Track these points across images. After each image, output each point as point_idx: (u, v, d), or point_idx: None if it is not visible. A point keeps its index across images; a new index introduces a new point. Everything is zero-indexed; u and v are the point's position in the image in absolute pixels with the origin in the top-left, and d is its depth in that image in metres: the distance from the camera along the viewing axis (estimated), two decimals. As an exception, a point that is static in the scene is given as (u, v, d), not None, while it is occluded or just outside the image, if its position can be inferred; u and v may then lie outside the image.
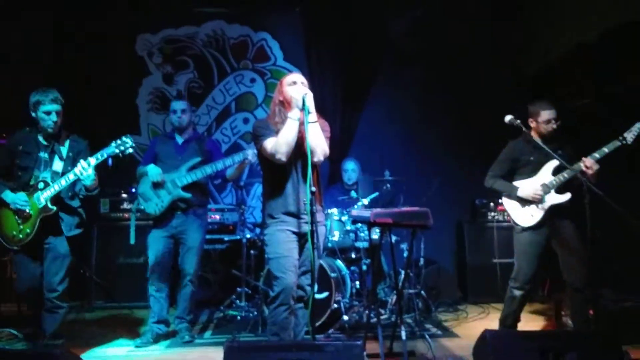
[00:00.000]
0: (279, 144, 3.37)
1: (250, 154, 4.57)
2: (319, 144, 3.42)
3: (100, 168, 4.05)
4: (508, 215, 4.33)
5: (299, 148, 3.42)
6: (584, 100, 5.75)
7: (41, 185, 4.02)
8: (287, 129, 3.37)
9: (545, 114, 4.15)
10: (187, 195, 4.62)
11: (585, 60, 5.72)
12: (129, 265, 5.97)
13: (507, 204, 4.30)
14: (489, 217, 6.25)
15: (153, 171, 4.62)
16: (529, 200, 4.13)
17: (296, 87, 3.47)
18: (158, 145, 4.88)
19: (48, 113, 4.02)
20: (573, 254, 4.05)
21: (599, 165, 3.95)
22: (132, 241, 4.87)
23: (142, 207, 4.71)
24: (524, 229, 4.17)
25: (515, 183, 4.25)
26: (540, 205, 4.10)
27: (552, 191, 4.10)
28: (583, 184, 3.80)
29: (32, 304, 4.20)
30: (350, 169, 5.89)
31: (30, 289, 4.13)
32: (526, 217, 4.16)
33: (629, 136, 3.94)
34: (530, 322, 5.14)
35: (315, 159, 3.41)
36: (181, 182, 4.62)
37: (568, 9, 5.88)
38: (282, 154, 3.38)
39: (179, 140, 4.88)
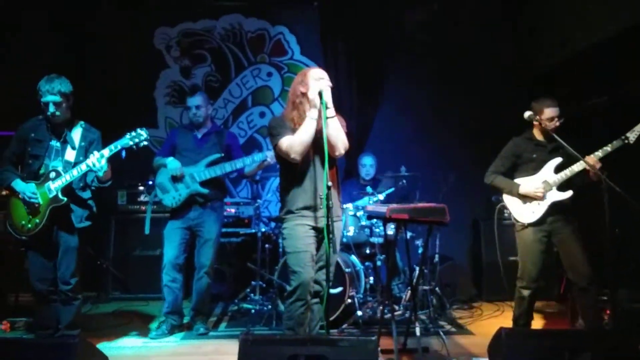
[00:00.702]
0: (295, 142, 3.36)
1: (270, 155, 4.60)
2: (339, 137, 3.42)
3: (113, 159, 4.02)
4: (509, 212, 4.29)
5: (317, 143, 3.42)
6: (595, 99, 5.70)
7: (52, 174, 3.98)
8: (304, 128, 3.36)
9: (549, 112, 4.11)
10: (205, 191, 4.65)
11: (601, 57, 5.66)
12: (145, 257, 6.03)
13: (508, 200, 4.27)
14: (506, 214, 6.17)
15: (173, 165, 4.65)
16: (530, 197, 4.10)
17: (321, 83, 3.41)
18: (177, 137, 4.90)
19: (45, 104, 3.96)
20: (575, 253, 4.03)
21: (601, 164, 3.90)
22: (147, 231, 4.90)
23: (160, 199, 4.75)
24: (525, 226, 4.15)
25: (516, 180, 4.23)
26: (541, 202, 4.08)
27: (554, 188, 4.07)
28: (602, 181, 3.75)
29: (41, 297, 4.16)
30: (369, 164, 5.87)
31: (41, 280, 4.10)
32: (527, 213, 4.14)
33: (632, 136, 3.90)
34: (545, 321, 5.11)
35: (337, 153, 3.45)
36: (200, 177, 4.65)
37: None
38: (296, 154, 3.38)
39: (198, 133, 4.89)
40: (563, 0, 6.13)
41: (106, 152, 3.95)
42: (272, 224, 5.64)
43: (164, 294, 4.77)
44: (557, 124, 4.11)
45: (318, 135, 3.38)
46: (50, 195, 3.97)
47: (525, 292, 4.15)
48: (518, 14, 6.64)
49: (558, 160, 4.10)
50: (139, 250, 6.07)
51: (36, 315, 4.44)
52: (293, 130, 3.44)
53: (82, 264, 4.19)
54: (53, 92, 3.94)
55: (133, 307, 5.75)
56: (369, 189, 5.44)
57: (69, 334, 4.08)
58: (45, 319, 4.24)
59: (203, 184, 4.66)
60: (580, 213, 4.14)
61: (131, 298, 5.98)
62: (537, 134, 4.24)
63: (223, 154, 4.77)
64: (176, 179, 4.66)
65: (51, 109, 3.96)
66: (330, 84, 3.45)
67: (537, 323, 4.35)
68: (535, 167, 4.18)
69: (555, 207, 4.07)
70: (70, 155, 4.10)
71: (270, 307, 5.08)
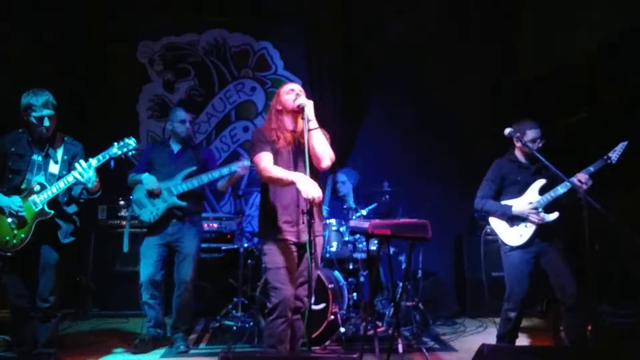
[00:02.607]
0: (270, 173, 3.36)
1: (239, 166, 4.61)
2: (325, 150, 3.42)
3: (101, 170, 3.97)
4: (496, 234, 4.29)
5: (300, 156, 3.42)
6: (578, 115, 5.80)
7: (37, 188, 3.91)
8: (282, 177, 3.33)
9: (531, 133, 4.14)
10: (183, 203, 4.62)
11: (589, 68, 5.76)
12: (126, 273, 5.92)
13: (495, 223, 4.26)
14: (488, 230, 6.19)
15: (148, 179, 4.61)
16: (520, 218, 4.09)
17: (302, 97, 3.45)
18: (153, 153, 4.87)
19: (40, 119, 3.91)
20: (563, 273, 4.01)
21: (592, 181, 3.92)
22: (126, 249, 4.84)
23: (137, 214, 4.70)
24: (513, 249, 4.14)
25: (505, 202, 4.21)
26: (528, 225, 4.08)
27: (541, 210, 4.08)
28: (581, 197, 3.77)
29: (18, 313, 4.08)
30: (340, 181, 5.88)
31: (19, 296, 4.03)
32: (515, 236, 4.13)
33: (614, 155, 3.96)
34: (528, 338, 5.11)
35: (324, 165, 3.44)
36: (177, 190, 4.61)
37: (578, 15, 5.91)
38: (265, 179, 3.42)
39: (175, 148, 4.87)
40: (548, 12, 6.22)
41: (94, 162, 3.90)
42: (255, 239, 5.60)
43: (145, 311, 4.72)
44: (540, 145, 4.13)
45: (301, 149, 3.37)
46: (36, 209, 3.90)
47: (512, 314, 4.12)
48: (503, 26, 6.71)
49: (542, 182, 4.12)
50: (119, 265, 5.98)
51: (14, 332, 4.34)
52: (272, 144, 3.45)
53: (62, 280, 4.12)
54: (48, 105, 3.90)
55: (112, 324, 5.64)
56: (352, 204, 5.45)
57: (46, 352, 4.00)
58: (23, 336, 4.13)
59: (181, 197, 4.63)
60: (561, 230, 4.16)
61: (111, 315, 5.87)
62: (520, 156, 4.25)
63: (199, 167, 4.75)
64: (153, 194, 4.62)
65: (46, 123, 3.92)
66: (303, 93, 3.49)
67: (520, 339, 4.33)
68: (519, 190, 4.18)
69: (542, 229, 4.07)
70: (53, 169, 4.04)
71: (252, 324, 5.02)
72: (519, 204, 4.12)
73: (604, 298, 4.79)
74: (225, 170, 4.66)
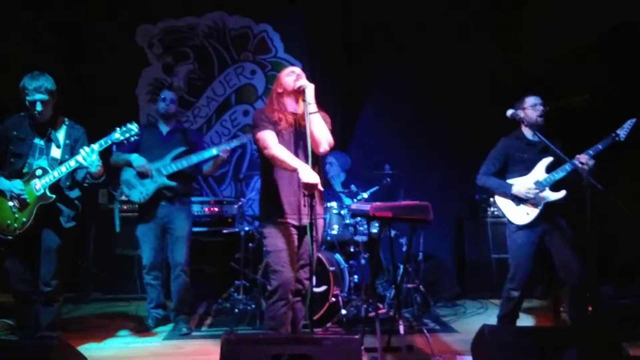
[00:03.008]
0: (273, 156, 3.35)
1: (221, 150, 4.63)
2: (323, 135, 3.41)
3: (103, 155, 3.96)
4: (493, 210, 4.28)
5: (301, 139, 3.41)
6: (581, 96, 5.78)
7: (39, 172, 3.90)
8: (286, 161, 3.32)
9: (530, 99, 4.13)
10: (172, 183, 4.64)
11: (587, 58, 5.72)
12: (126, 256, 5.93)
13: (501, 202, 4.24)
14: (489, 213, 6.20)
15: (138, 162, 4.60)
16: (523, 198, 4.08)
17: (303, 80, 3.45)
18: (142, 135, 4.84)
19: (32, 103, 3.86)
20: (568, 252, 3.99)
21: (594, 161, 3.90)
22: (118, 229, 4.89)
23: (127, 195, 4.72)
24: (519, 228, 4.12)
25: (508, 181, 4.20)
26: (535, 203, 4.06)
27: (547, 189, 4.06)
28: (584, 177, 3.75)
29: (21, 297, 4.09)
30: (328, 162, 5.84)
31: (21, 280, 4.03)
32: (521, 215, 4.11)
33: (622, 133, 3.93)
34: (528, 318, 5.13)
35: (321, 150, 3.43)
36: (166, 170, 4.63)
37: (578, 14, 5.87)
38: (270, 157, 3.38)
39: (163, 130, 4.89)
40: (548, 12, 6.18)
41: (96, 147, 3.88)
42: (256, 223, 5.60)
43: (147, 292, 4.81)
44: (541, 109, 4.09)
45: (302, 131, 3.36)
46: (38, 193, 3.89)
47: (515, 294, 4.13)
48: (503, 17, 6.66)
49: (549, 159, 4.08)
50: (119, 249, 5.99)
51: (16, 316, 4.36)
52: (274, 124, 3.44)
53: (64, 265, 4.12)
54: (40, 90, 3.85)
55: (114, 308, 5.68)
56: (353, 188, 5.44)
57: (49, 335, 4.00)
58: (25, 320, 4.16)
59: (171, 177, 4.64)
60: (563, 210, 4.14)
61: (112, 298, 5.91)
62: (527, 132, 4.21)
63: (188, 148, 4.77)
64: (143, 175, 4.62)
65: (38, 107, 3.86)
66: (304, 76, 3.48)
67: (520, 320, 4.35)
68: (526, 167, 4.15)
69: (549, 208, 4.04)
70: (55, 153, 4.02)
71: (254, 306, 5.05)
72: (519, 185, 4.09)
73: (605, 279, 4.79)
74: (215, 150, 4.67)
